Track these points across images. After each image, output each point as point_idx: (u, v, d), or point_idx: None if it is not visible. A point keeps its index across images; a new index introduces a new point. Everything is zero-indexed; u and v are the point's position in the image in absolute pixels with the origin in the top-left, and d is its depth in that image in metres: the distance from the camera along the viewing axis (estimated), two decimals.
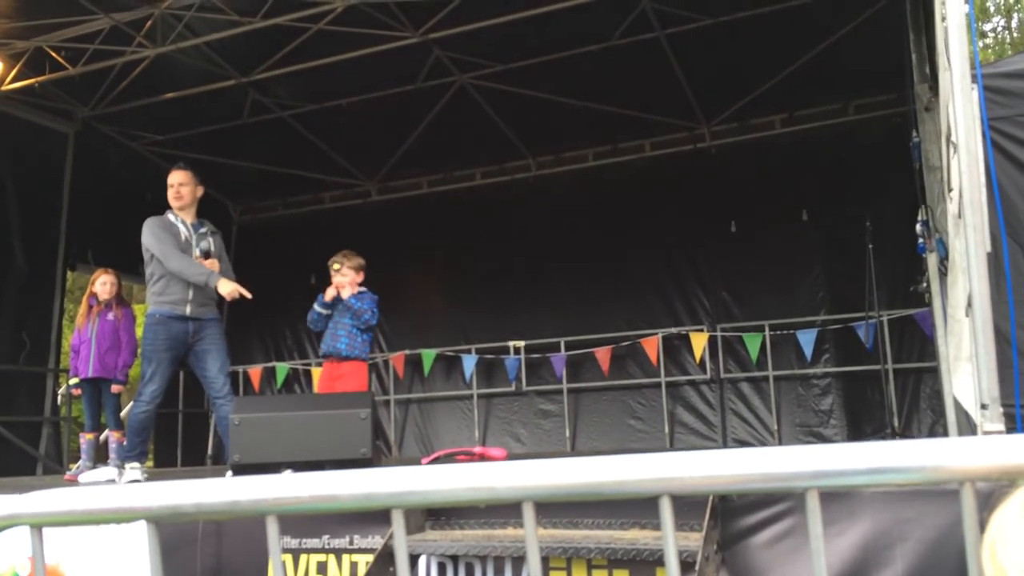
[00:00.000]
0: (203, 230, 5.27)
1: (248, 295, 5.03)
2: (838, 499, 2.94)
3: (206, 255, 5.15)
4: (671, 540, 1.02)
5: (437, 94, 8.48)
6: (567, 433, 8.57)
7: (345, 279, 5.39)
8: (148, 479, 4.87)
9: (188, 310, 5.05)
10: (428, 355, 9.15)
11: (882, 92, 7.77)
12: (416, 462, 6.85)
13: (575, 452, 8.23)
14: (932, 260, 5.12)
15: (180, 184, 5.26)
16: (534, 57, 7.73)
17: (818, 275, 7.99)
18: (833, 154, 8.01)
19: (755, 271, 8.13)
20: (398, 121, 8.92)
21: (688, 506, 3.12)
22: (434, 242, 9.49)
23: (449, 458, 6.43)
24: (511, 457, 6.58)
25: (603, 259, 8.64)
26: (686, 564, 2.88)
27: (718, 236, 8.32)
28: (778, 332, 7.91)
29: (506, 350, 8.87)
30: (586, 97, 8.13)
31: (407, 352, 9.32)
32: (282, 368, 9.84)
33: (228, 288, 5.00)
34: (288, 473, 4.07)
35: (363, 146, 9.49)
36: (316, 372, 9.35)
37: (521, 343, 8.82)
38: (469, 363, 8.93)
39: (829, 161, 8.02)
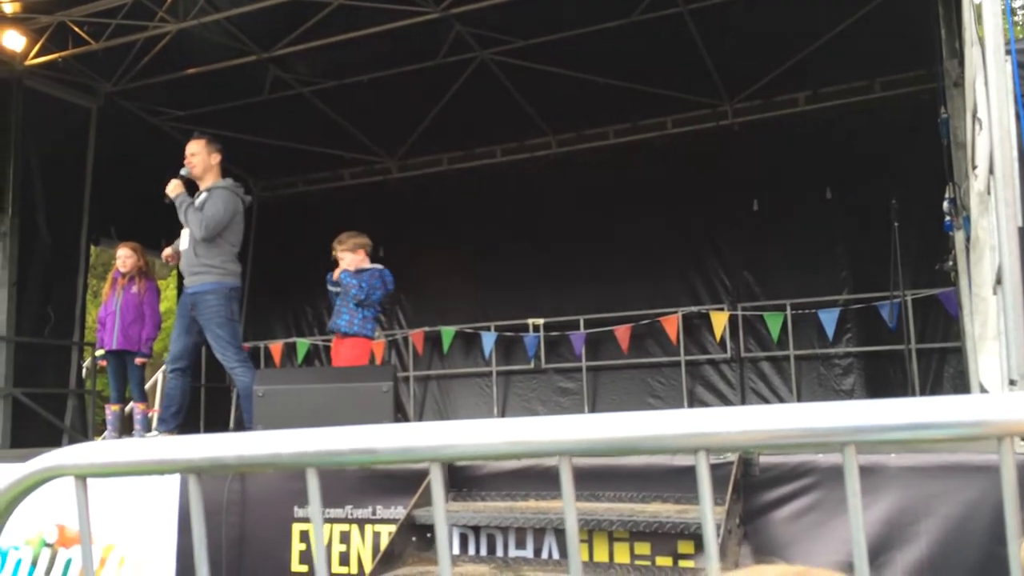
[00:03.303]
0: (203, 194, 5.36)
1: (168, 188, 5.38)
2: (863, 473, 2.93)
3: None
4: (707, 496, 1.02)
5: (458, 70, 8.45)
6: (585, 410, 8.59)
7: (344, 262, 5.57)
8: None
9: (186, 282, 5.28)
10: (447, 332, 9.19)
11: (909, 68, 7.67)
12: None
13: None
14: (959, 238, 5.06)
15: (191, 154, 5.49)
16: (555, 32, 7.68)
17: (841, 254, 7.93)
18: (858, 131, 7.93)
19: (777, 250, 8.09)
20: (418, 98, 8.90)
21: (712, 480, 3.13)
22: (454, 219, 9.49)
23: None
24: None
25: (623, 237, 8.62)
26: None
27: (740, 214, 8.27)
28: (800, 311, 7.87)
29: (525, 327, 8.89)
30: (608, 74, 8.07)
31: (426, 329, 9.36)
32: (303, 344, 9.91)
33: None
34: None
35: (383, 123, 9.48)
36: None
37: (540, 321, 8.83)
38: (488, 340, 8.95)
39: (854, 139, 7.93)
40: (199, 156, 5.44)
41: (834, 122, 8.09)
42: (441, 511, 1.02)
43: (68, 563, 3.97)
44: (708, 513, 0.99)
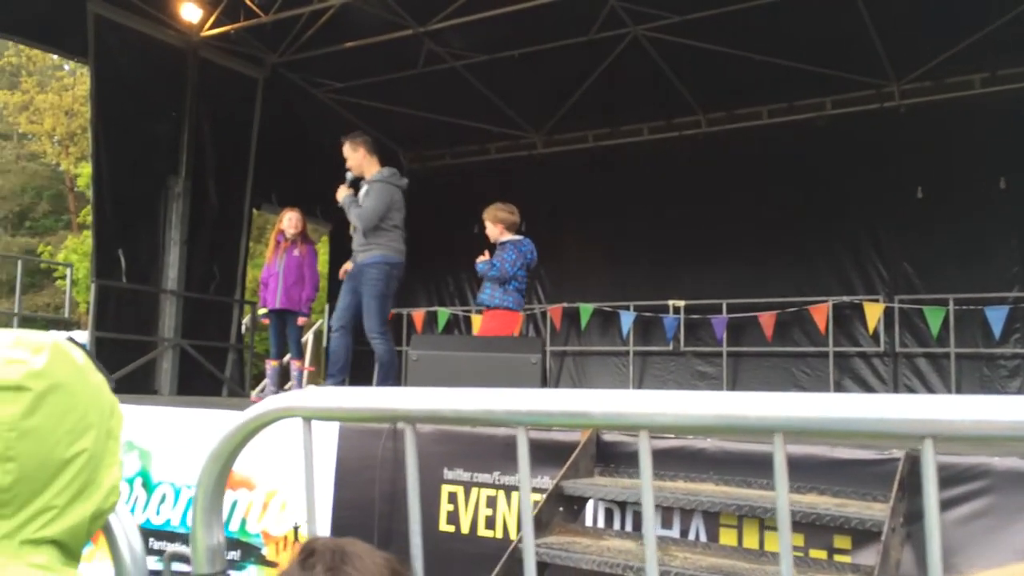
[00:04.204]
0: (362, 190, 5.78)
1: (337, 195, 5.75)
2: None
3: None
4: (932, 484, 0.99)
5: (609, 46, 8.38)
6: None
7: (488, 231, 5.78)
8: None
9: (357, 258, 5.75)
10: (586, 309, 9.20)
11: None
12: None
13: None
14: None
15: (346, 158, 5.87)
16: (712, 8, 7.47)
17: (1014, 248, 7.39)
18: None
19: (941, 241, 7.63)
20: (568, 73, 8.89)
21: (874, 476, 3.02)
22: (597, 196, 9.45)
23: None
24: None
25: (772, 220, 8.34)
26: (871, 533, 2.80)
27: (902, 202, 7.85)
28: (964, 307, 7.40)
29: (665, 309, 8.78)
30: (765, 51, 7.79)
31: (565, 305, 9.39)
32: (443, 313, 10.16)
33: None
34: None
35: (531, 98, 9.54)
36: (476, 319, 9.61)
37: (681, 303, 8.70)
38: (627, 320, 8.90)
39: None
40: (351, 158, 5.83)
41: (1014, 106, 7.51)
42: (648, 478, 1.03)
43: (234, 504, 4.26)
44: (933, 505, 0.96)
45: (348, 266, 6.20)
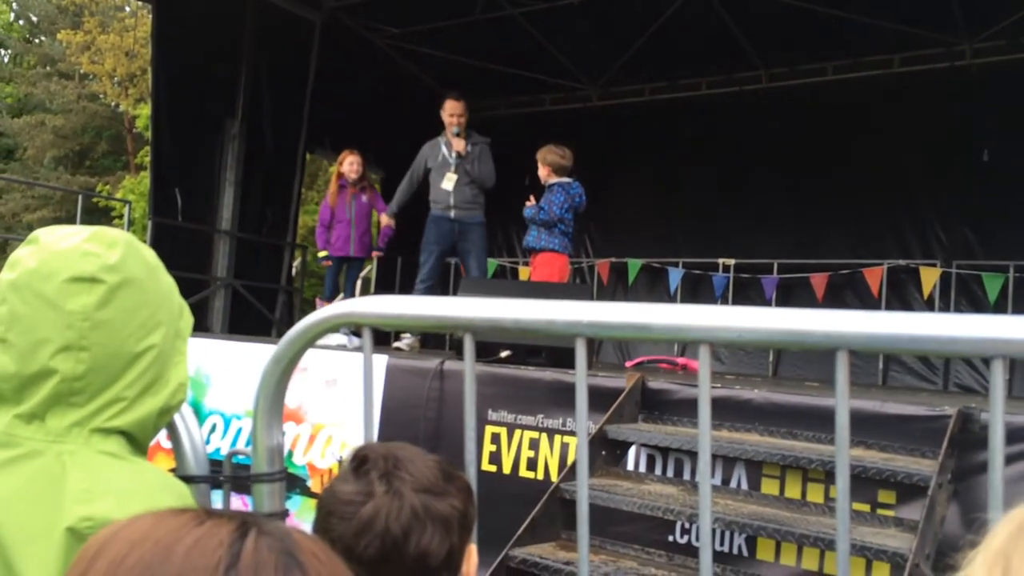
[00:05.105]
0: (469, 147, 6.06)
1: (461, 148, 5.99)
2: None
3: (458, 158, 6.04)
4: (999, 411, 0.97)
5: None
6: (770, 357, 8.34)
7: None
8: (412, 349, 5.45)
9: (452, 214, 6.00)
10: (634, 265, 9.13)
11: None
12: (614, 367, 6.94)
13: (777, 377, 8.03)
14: None
15: (460, 114, 6.07)
16: None
17: None
18: None
19: (1005, 206, 7.37)
20: (627, 24, 8.71)
21: (923, 432, 2.99)
22: (651, 151, 9.32)
23: (653, 364, 6.51)
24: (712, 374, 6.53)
25: (830, 180, 8.15)
26: (917, 488, 2.78)
27: (966, 165, 7.60)
28: None
29: (715, 267, 8.69)
30: (832, 4, 7.54)
31: (613, 260, 9.34)
32: (491, 263, 10.17)
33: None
34: (505, 354, 4.18)
35: (588, 49, 9.39)
36: (523, 271, 9.61)
37: (731, 261, 8.60)
38: (675, 276, 8.84)
39: None
40: (465, 116, 6.10)
41: None
42: (706, 392, 1.04)
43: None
44: (999, 428, 0.94)
45: (392, 221, 6.44)
